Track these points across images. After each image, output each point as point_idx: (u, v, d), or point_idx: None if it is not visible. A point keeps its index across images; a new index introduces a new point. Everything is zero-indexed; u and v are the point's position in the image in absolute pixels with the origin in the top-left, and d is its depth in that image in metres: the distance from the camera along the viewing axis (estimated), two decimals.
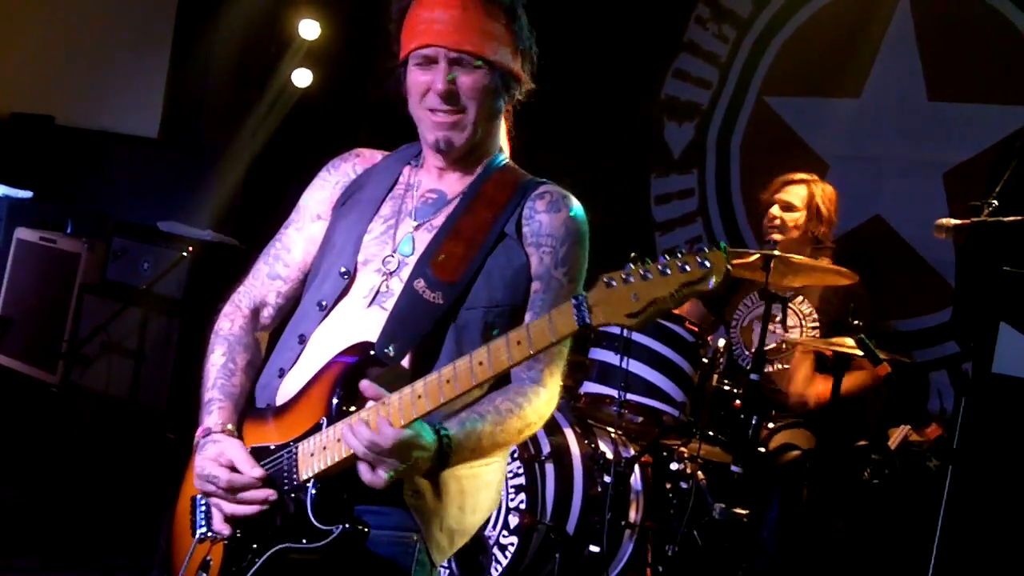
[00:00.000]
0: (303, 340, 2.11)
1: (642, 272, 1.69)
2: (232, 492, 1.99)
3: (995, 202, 3.36)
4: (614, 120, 5.64)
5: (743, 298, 4.37)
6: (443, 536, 2.05)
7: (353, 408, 1.94)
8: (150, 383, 5.25)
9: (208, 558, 2.06)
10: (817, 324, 4.16)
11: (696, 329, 3.83)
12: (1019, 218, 3.29)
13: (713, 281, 1.65)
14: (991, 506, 3.05)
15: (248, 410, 2.14)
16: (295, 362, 2.11)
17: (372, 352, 1.99)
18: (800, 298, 4.21)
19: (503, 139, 2.26)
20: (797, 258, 3.85)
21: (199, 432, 2.10)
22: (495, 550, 3.56)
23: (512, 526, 3.58)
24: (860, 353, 3.58)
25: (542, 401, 2.07)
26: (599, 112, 5.64)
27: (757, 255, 3.84)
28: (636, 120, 5.65)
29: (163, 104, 6.53)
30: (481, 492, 2.11)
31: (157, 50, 6.52)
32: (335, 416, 1.95)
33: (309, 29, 5.92)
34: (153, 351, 5.26)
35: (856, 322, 3.75)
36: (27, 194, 6.31)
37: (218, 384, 2.15)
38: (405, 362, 2.00)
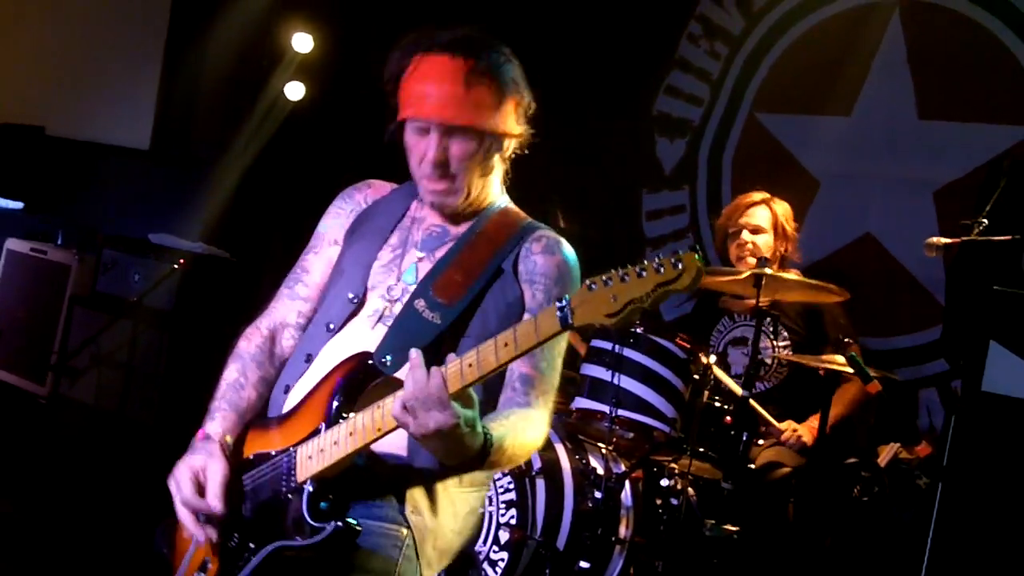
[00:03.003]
0: (309, 359, 2.22)
1: (620, 275, 1.76)
2: (186, 506, 2.08)
3: (985, 221, 3.39)
4: (606, 136, 5.66)
5: (715, 324, 4.36)
6: (435, 553, 2.14)
7: (351, 414, 2.02)
8: (140, 396, 5.23)
9: (207, 559, 2.14)
10: (789, 342, 4.16)
11: (687, 345, 3.84)
12: (1009, 237, 3.32)
13: (686, 281, 1.73)
14: (981, 524, 3.05)
15: (254, 420, 2.23)
16: (299, 378, 2.21)
17: (371, 361, 2.08)
18: (768, 319, 4.19)
19: (500, 184, 2.36)
20: (788, 276, 3.86)
21: (199, 434, 2.19)
22: (485, 565, 3.55)
23: (502, 541, 3.57)
24: (851, 371, 3.59)
25: (543, 424, 2.16)
26: (591, 128, 5.66)
27: (748, 272, 3.85)
28: (628, 136, 5.67)
29: (154, 116, 6.51)
30: (470, 517, 2.20)
31: (149, 62, 6.51)
32: (332, 420, 2.03)
33: (302, 42, 5.92)
34: (143, 363, 5.25)
35: (847, 340, 3.77)
36: (17, 205, 6.30)
37: (227, 396, 2.25)
38: (401, 373, 2.04)
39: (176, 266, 5.27)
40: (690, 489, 3.76)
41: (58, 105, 6.67)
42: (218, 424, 2.19)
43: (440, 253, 2.25)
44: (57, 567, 4.03)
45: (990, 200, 3.49)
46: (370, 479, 2.07)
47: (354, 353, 2.10)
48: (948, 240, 3.40)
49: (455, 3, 5.94)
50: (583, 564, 3.60)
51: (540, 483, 3.63)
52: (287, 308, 2.36)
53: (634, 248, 5.57)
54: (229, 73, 6.23)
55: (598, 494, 3.66)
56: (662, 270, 1.73)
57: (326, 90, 6.08)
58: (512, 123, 2.23)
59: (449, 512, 2.14)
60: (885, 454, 3.76)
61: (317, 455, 2.01)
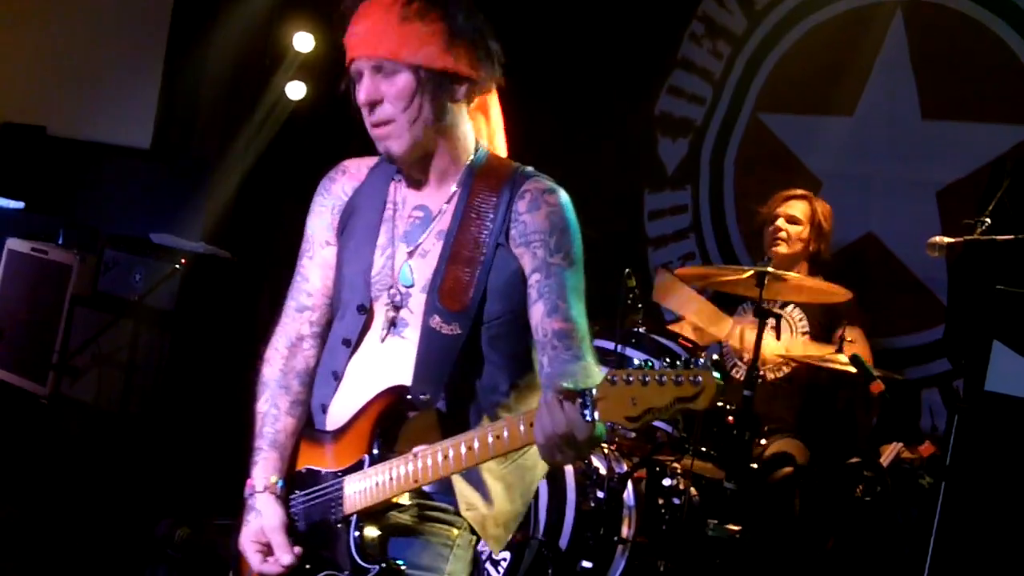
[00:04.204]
0: (337, 377, 2.20)
1: (642, 378, 1.72)
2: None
3: (988, 220, 3.38)
4: (608, 136, 5.65)
5: (735, 309, 4.39)
6: (499, 529, 2.16)
7: (391, 454, 2.04)
8: (141, 395, 5.22)
9: None
10: (807, 329, 4.19)
11: (690, 345, 3.84)
12: (1012, 237, 3.31)
13: (702, 403, 1.70)
14: (984, 524, 3.05)
15: (306, 431, 2.24)
16: (333, 397, 2.19)
17: (408, 396, 2.07)
18: (791, 306, 4.24)
19: (488, 135, 2.26)
20: (790, 275, 3.86)
21: (248, 486, 2.19)
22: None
23: None
24: (853, 370, 3.59)
25: (595, 372, 2.04)
26: (593, 128, 5.65)
27: (751, 272, 3.85)
28: (630, 136, 5.66)
29: (156, 115, 6.51)
30: (525, 476, 2.19)
31: (150, 61, 6.50)
32: (374, 458, 2.06)
33: (303, 42, 5.92)
34: (144, 363, 5.25)
35: (849, 339, 3.76)
36: (19, 204, 6.30)
37: (264, 433, 2.23)
38: (440, 403, 2.09)
39: (177, 266, 5.26)
40: (692, 489, 3.76)
41: (59, 105, 6.67)
42: (261, 469, 2.19)
43: (428, 244, 2.16)
44: (58, 567, 4.02)
45: (993, 200, 3.48)
46: (416, 509, 2.10)
47: (392, 387, 2.09)
48: (951, 239, 3.39)
49: None
50: (586, 564, 3.60)
51: (542, 483, 3.62)
52: (297, 321, 2.31)
53: (636, 247, 5.56)
54: (231, 73, 6.23)
55: (600, 494, 3.65)
56: (682, 383, 1.69)
57: (328, 90, 6.06)
58: (462, 64, 2.09)
59: (503, 495, 2.14)
60: (887, 454, 3.75)
61: (361, 492, 2.05)
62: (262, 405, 2.25)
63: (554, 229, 2.11)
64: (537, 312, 2.08)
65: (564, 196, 2.16)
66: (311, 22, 5.92)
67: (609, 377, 1.75)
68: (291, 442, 2.23)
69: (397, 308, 2.15)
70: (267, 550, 2.13)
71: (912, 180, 4.74)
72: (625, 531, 3.71)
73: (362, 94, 2.10)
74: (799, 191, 4.40)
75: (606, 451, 3.86)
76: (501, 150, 2.30)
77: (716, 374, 1.69)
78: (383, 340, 2.15)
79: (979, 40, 4.61)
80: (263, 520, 2.13)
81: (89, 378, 5.39)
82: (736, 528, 3.64)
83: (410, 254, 2.17)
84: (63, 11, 6.70)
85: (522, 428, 1.85)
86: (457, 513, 2.12)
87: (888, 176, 4.82)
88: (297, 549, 2.11)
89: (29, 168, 6.53)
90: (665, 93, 5.61)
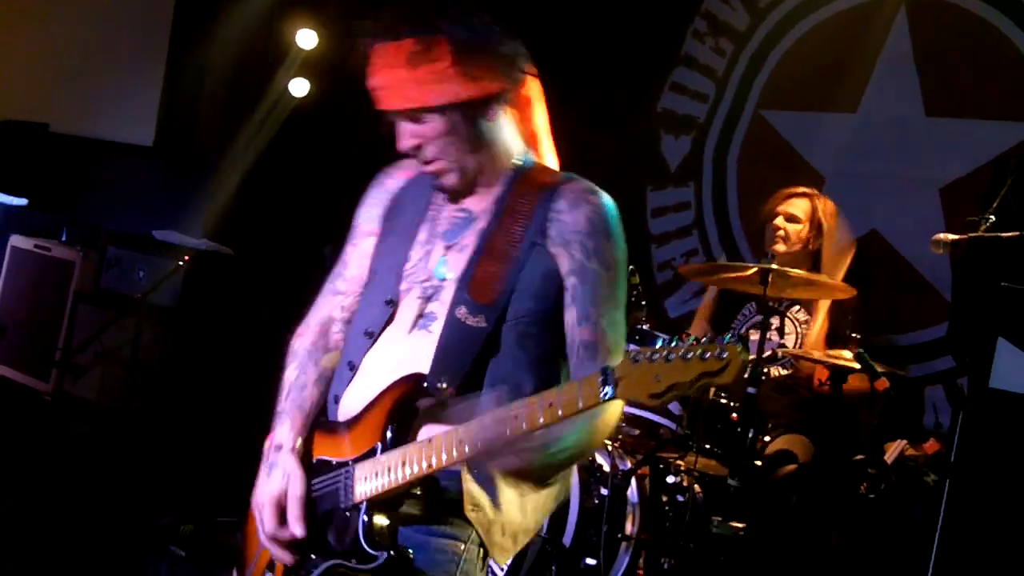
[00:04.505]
0: (353, 367, 2.18)
1: (666, 354, 1.71)
2: (271, 540, 2.11)
3: (992, 218, 3.38)
4: (611, 132, 5.65)
5: (741, 308, 4.38)
6: (506, 539, 2.12)
7: (405, 441, 2.01)
8: (143, 392, 5.22)
9: (272, 564, 2.17)
10: (808, 322, 4.18)
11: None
12: (1016, 233, 3.30)
13: (728, 377, 1.67)
14: (989, 521, 3.05)
15: (320, 421, 2.22)
16: (346, 388, 2.18)
17: (425, 384, 2.04)
18: (797, 306, 4.23)
19: (529, 131, 2.25)
20: (794, 272, 3.86)
21: (270, 442, 2.18)
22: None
23: None
24: (858, 367, 3.58)
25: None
26: (596, 124, 5.65)
27: (755, 269, 3.84)
28: (633, 133, 5.66)
29: (158, 112, 6.52)
30: (542, 491, 2.14)
31: (152, 59, 6.51)
32: (387, 445, 2.03)
33: (306, 38, 5.91)
34: (147, 360, 5.25)
35: (855, 335, 3.76)
36: (22, 202, 6.30)
37: (291, 397, 2.23)
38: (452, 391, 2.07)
39: (180, 263, 5.27)
40: (696, 486, 3.75)
41: (62, 102, 6.67)
42: (287, 429, 2.18)
43: (467, 240, 2.17)
44: (62, 564, 4.02)
45: (997, 197, 3.48)
46: (427, 499, 2.07)
47: (409, 374, 2.06)
48: (955, 237, 3.39)
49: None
50: (589, 561, 3.59)
51: None
52: (330, 304, 2.33)
53: (639, 245, 5.56)
54: (233, 70, 6.23)
55: (604, 491, 3.65)
56: (707, 357, 1.67)
57: (331, 87, 6.07)
58: (484, 83, 2.09)
59: (515, 503, 2.10)
60: (892, 451, 3.75)
61: (372, 478, 2.02)
62: (290, 373, 2.27)
63: (594, 231, 2.09)
64: (569, 317, 2.07)
65: (607, 199, 2.13)
66: (313, 19, 5.93)
67: (631, 356, 1.74)
68: (315, 413, 2.22)
69: (427, 300, 2.14)
70: (282, 516, 2.10)
71: (916, 177, 4.74)
72: (629, 528, 3.71)
73: (401, 143, 2.12)
74: (802, 188, 4.36)
75: (610, 448, 3.86)
76: (546, 141, 2.31)
77: (741, 347, 1.67)
78: (408, 332, 2.14)
79: (983, 37, 4.61)
80: (288, 486, 2.10)
81: (92, 375, 5.39)
82: (740, 525, 3.63)
83: (447, 249, 2.18)
84: (65, 9, 6.70)
85: (541, 414, 1.82)
86: (460, 514, 2.07)
87: (891, 173, 4.82)
88: (304, 533, 2.08)
89: (32, 165, 6.53)
90: (668, 90, 5.61)
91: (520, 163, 2.20)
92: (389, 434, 2.03)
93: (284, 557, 2.10)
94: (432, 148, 2.10)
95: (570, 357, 2.08)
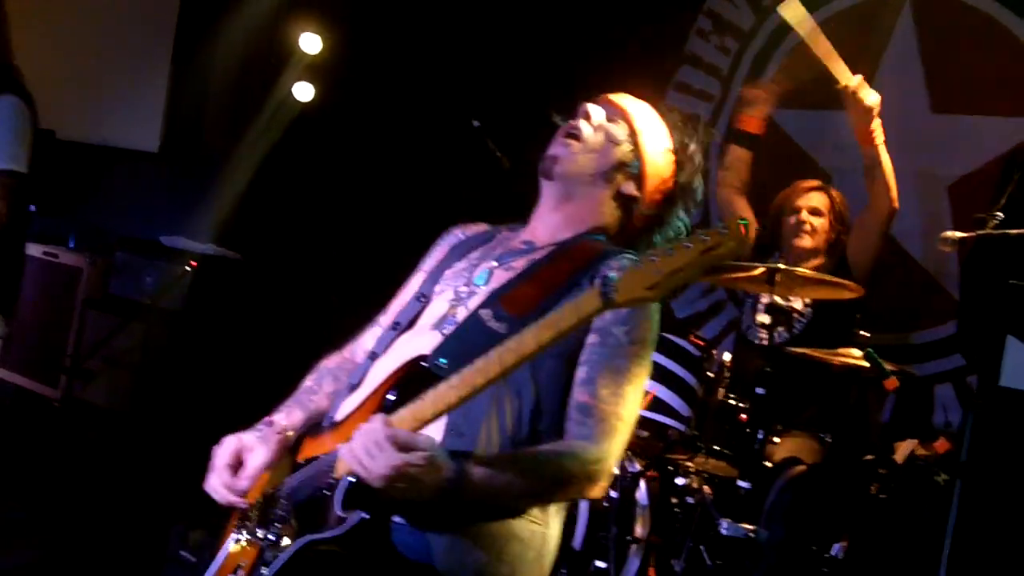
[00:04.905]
0: (374, 357, 2.21)
1: (666, 249, 1.72)
2: (216, 475, 2.13)
3: (1000, 214, 3.36)
4: None
5: (743, 304, 4.39)
6: None
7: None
8: (151, 397, 5.23)
9: (240, 564, 2.13)
10: (811, 308, 4.18)
11: (701, 343, 3.82)
12: None
13: (731, 245, 1.67)
14: (1001, 521, 3.03)
15: (312, 429, 2.23)
16: (363, 376, 2.20)
17: (424, 364, 2.02)
18: (801, 304, 4.23)
19: (614, 224, 2.32)
20: (801, 271, 3.85)
21: (264, 420, 2.22)
22: None
23: None
24: (867, 365, 3.57)
25: (589, 457, 2.02)
26: None
27: (762, 268, 3.83)
28: None
29: (164, 118, 6.52)
30: (512, 543, 2.05)
31: (157, 64, 6.51)
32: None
33: (310, 43, 5.91)
34: (155, 365, 5.25)
35: (864, 333, 3.74)
36: (29, 208, 6.29)
37: (298, 397, 2.29)
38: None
39: (187, 268, 5.27)
40: (706, 487, 3.74)
41: (68, 109, 6.67)
42: (283, 416, 2.21)
43: (517, 264, 2.20)
44: (72, 569, 4.03)
45: (1005, 193, 3.46)
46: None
47: (411, 358, 2.06)
48: (963, 234, 3.37)
49: (462, 4, 5.94)
50: (599, 564, 3.59)
51: None
52: (369, 335, 2.38)
53: None
54: (238, 74, 6.23)
55: (613, 493, 3.64)
56: (707, 237, 1.68)
57: (335, 91, 6.07)
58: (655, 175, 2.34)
59: (486, 537, 2.02)
60: (902, 451, 3.73)
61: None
62: (306, 381, 2.32)
63: None
64: (578, 376, 2.08)
65: None
66: (317, 23, 5.92)
67: (631, 261, 1.76)
68: (316, 419, 2.24)
69: (456, 304, 2.16)
70: (237, 464, 2.13)
71: (922, 174, 4.72)
72: (639, 530, 3.70)
73: (593, 116, 2.31)
74: (815, 182, 4.37)
75: None
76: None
77: (741, 219, 1.67)
78: (430, 330, 2.15)
79: (989, 33, 4.59)
80: (256, 444, 2.13)
81: (101, 381, 5.40)
82: (751, 527, 3.62)
83: (497, 266, 2.22)
84: (69, 16, 6.71)
85: (548, 326, 1.79)
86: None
87: (898, 170, 4.78)
88: (249, 494, 2.09)
89: (39, 172, 6.52)
90: (672, 89, 5.59)
91: (594, 233, 2.27)
92: (387, 405, 1.98)
93: (221, 495, 2.12)
94: (579, 148, 2.25)
95: (567, 416, 2.06)
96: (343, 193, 5.96)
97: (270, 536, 2.08)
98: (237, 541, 2.16)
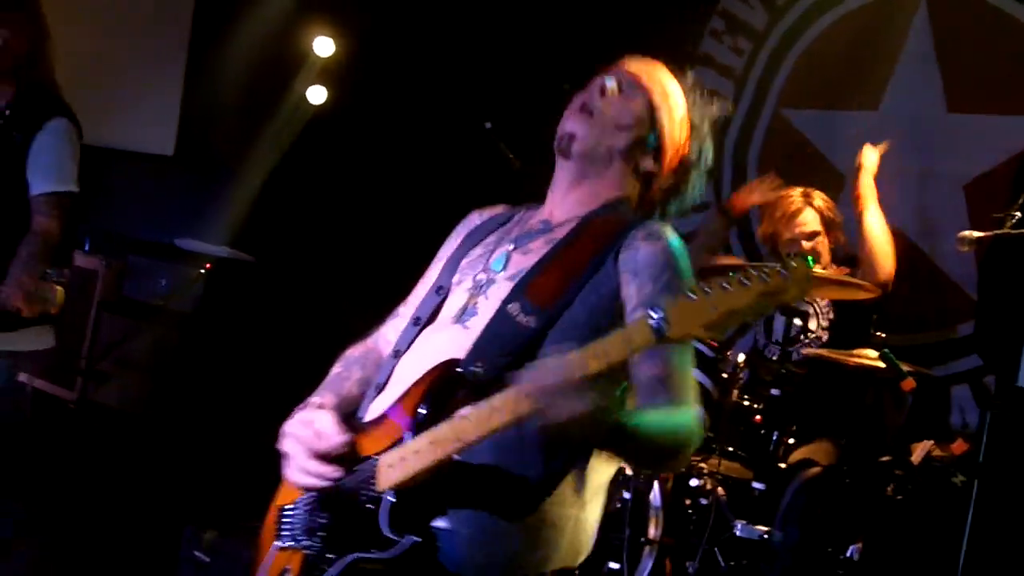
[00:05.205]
0: (398, 355, 2.16)
1: (722, 284, 1.63)
2: (311, 453, 2.01)
3: (1018, 213, 3.34)
4: None
5: None
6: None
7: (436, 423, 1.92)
8: (167, 399, 5.24)
9: (287, 568, 2.09)
10: (831, 314, 4.18)
11: (716, 345, 3.81)
12: None
13: (793, 290, 1.59)
14: (1019, 521, 3.01)
15: (345, 420, 2.14)
16: (388, 375, 2.15)
17: (459, 369, 1.97)
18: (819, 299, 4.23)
19: (634, 198, 2.25)
20: (819, 272, 3.83)
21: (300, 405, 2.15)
22: None
23: None
24: (883, 366, 3.55)
25: (688, 417, 1.96)
26: None
27: (778, 268, 3.81)
28: None
29: (178, 121, 6.54)
30: (544, 530, 2.00)
31: (171, 68, 6.53)
32: (418, 429, 1.93)
33: (323, 46, 5.92)
34: (170, 367, 5.27)
35: (880, 334, 3.72)
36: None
37: (328, 385, 2.25)
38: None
39: (202, 270, 5.28)
40: (720, 489, 3.72)
41: (82, 113, 6.64)
42: (317, 397, 2.18)
43: (536, 245, 2.14)
44: (87, 570, 4.04)
45: (1022, 192, 3.44)
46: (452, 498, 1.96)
47: (442, 361, 1.99)
48: (980, 234, 3.35)
49: (474, 6, 5.93)
50: (612, 565, 3.57)
51: None
52: (389, 325, 2.33)
53: None
54: (251, 78, 6.24)
55: (626, 494, 3.63)
56: (767, 278, 1.58)
57: (348, 93, 6.08)
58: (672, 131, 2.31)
59: (524, 539, 1.97)
60: (919, 452, 3.71)
61: (398, 463, 1.91)
62: (334, 370, 2.29)
63: (667, 267, 2.03)
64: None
65: (679, 240, 2.10)
66: (330, 26, 5.93)
67: (686, 292, 1.65)
68: (348, 407, 2.19)
69: (475, 294, 2.11)
70: (317, 434, 2.02)
71: (938, 174, 4.69)
72: (652, 532, 3.68)
73: (608, 85, 2.23)
74: (797, 199, 4.26)
75: None
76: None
77: (807, 263, 1.58)
78: (451, 324, 2.09)
79: (1005, 31, 4.56)
80: (314, 414, 2.05)
81: (115, 383, 5.41)
82: (765, 529, 3.60)
83: (513, 249, 2.16)
84: (83, 20, 6.73)
85: (593, 358, 1.71)
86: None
87: (914, 171, 4.77)
88: (346, 437, 2.00)
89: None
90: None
91: (613, 205, 2.19)
92: (422, 412, 1.93)
93: (318, 477, 2.00)
94: (596, 125, 2.18)
95: (639, 393, 1.96)
96: (356, 195, 5.96)
97: (314, 545, 2.04)
98: (282, 546, 2.11)
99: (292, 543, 2.09)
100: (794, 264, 1.59)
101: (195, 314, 5.32)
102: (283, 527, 2.13)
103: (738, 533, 3.57)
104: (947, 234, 3.52)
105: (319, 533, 2.03)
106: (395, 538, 1.89)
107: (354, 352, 2.33)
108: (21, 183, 3.60)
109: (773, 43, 5.33)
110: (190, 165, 6.49)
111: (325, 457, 2.01)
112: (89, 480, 4.85)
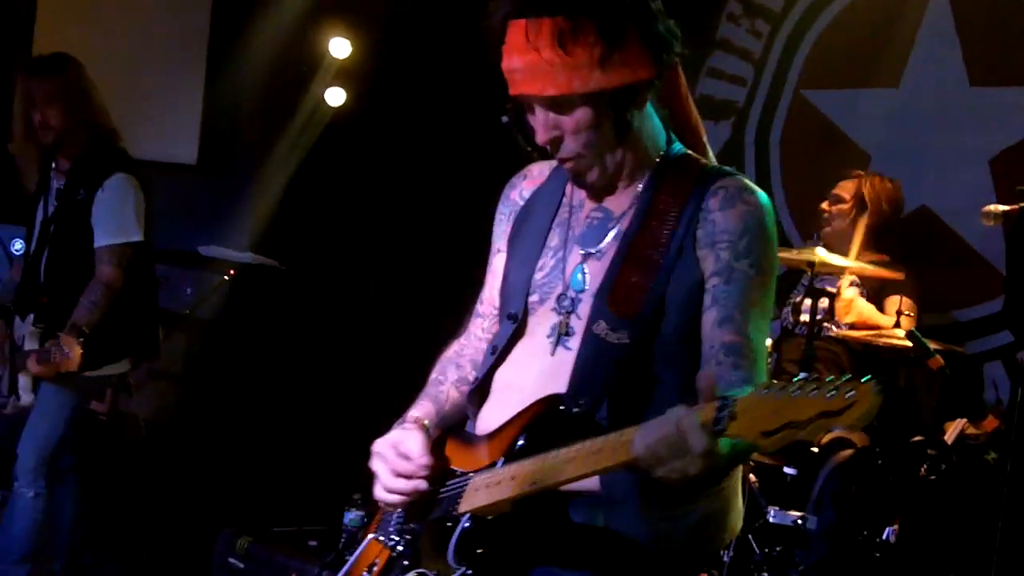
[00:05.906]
0: (482, 384, 2.09)
1: (792, 389, 1.48)
2: (395, 474, 1.98)
3: None
4: None
5: (793, 287, 4.37)
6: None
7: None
8: (196, 407, 5.27)
9: (375, 561, 2.08)
10: (860, 286, 4.20)
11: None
12: None
13: (851, 416, 1.44)
14: None
15: (453, 430, 2.13)
16: (483, 405, 2.08)
17: (561, 407, 1.88)
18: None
19: (662, 130, 2.03)
20: (840, 258, 3.80)
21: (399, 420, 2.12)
22: None
23: None
24: (910, 344, 3.50)
25: None
26: None
27: (800, 252, 3.80)
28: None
29: (200, 130, 6.57)
30: (696, 512, 1.98)
31: (191, 77, 6.56)
32: (509, 459, 1.89)
33: (339, 47, 5.92)
34: (198, 375, 5.29)
35: (907, 313, 3.68)
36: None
37: (427, 390, 2.20)
38: (602, 413, 1.89)
39: (226, 277, 5.30)
40: (751, 475, 3.69)
41: None
42: (416, 410, 2.13)
43: (605, 246, 1.97)
44: None
45: None
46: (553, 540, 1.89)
47: (544, 396, 1.90)
48: (1006, 208, 3.29)
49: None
50: None
51: None
52: (474, 325, 2.26)
53: None
54: (270, 82, 6.26)
55: None
56: (831, 396, 1.44)
57: (366, 94, 6.08)
58: (638, 68, 1.89)
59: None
60: (951, 431, 3.65)
61: (483, 489, 1.88)
62: (432, 374, 2.23)
63: (746, 231, 1.88)
64: (708, 320, 1.86)
65: (764, 198, 1.93)
66: (346, 28, 5.93)
67: (763, 386, 1.52)
68: (451, 410, 2.15)
69: (567, 313, 1.96)
70: (403, 456, 1.97)
71: (963, 149, 4.62)
72: None
73: (540, 134, 1.91)
74: (857, 172, 4.40)
75: None
76: (692, 125, 2.24)
77: (876, 386, 1.42)
78: (547, 348, 1.98)
79: None
80: (403, 435, 2.00)
81: (145, 393, 5.45)
82: (798, 514, 3.56)
83: (585, 257, 1.99)
84: (103, 33, 6.78)
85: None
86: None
87: (938, 146, 4.70)
88: (431, 460, 1.95)
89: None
90: (705, 75, 5.53)
91: (666, 154, 2.01)
92: (519, 444, 1.88)
93: (407, 490, 1.96)
94: (573, 142, 1.91)
95: (706, 364, 1.84)
96: (378, 196, 5.96)
97: (400, 548, 2.04)
98: (376, 539, 2.11)
99: (383, 538, 2.09)
100: (861, 385, 1.44)
101: (222, 321, 5.35)
102: (383, 521, 2.14)
103: (771, 519, 3.54)
104: (974, 210, 3.45)
105: (406, 536, 2.04)
106: (454, 566, 1.86)
107: (448, 353, 2.26)
108: (88, 236, 3.88)
109: (791, 24, 5.27)
110: (213, 172, 6.53)
111: (409, 478, 1.97)
112: (122, 490, 4.88)
